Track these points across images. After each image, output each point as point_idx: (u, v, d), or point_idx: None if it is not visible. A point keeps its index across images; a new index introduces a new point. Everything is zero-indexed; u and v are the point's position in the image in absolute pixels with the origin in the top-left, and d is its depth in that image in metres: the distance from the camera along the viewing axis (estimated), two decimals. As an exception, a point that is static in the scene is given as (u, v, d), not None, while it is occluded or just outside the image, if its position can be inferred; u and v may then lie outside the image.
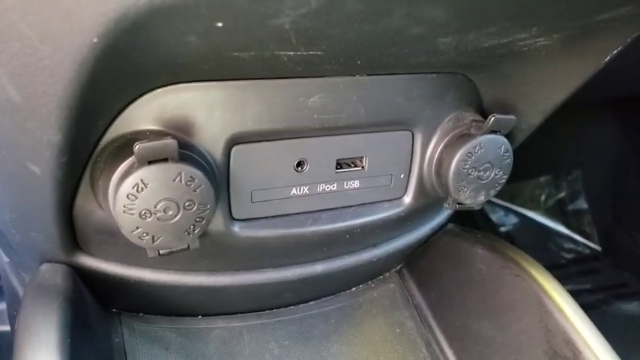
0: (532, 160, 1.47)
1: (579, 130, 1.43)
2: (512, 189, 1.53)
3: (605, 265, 1.42)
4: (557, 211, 1.54)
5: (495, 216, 1.53)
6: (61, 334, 0.35)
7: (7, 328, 1.07)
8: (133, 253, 0.41)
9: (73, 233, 0.41)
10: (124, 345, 0.46)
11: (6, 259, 0.55)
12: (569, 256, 1.47)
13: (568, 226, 1.53)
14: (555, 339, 0.40)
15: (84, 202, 0.38)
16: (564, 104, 0.43)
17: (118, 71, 0.28)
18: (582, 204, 1.54)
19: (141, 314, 0.49)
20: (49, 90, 0.27)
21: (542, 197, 1.56)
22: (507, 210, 1.54)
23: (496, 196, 1.71)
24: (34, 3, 0.23)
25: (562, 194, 1.56)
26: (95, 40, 0.24)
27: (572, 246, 1.51)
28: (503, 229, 1.44)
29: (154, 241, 0.34)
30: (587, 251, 1.48)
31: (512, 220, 1.52)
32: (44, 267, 0.42)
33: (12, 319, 0.65)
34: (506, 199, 1.52)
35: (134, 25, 0.23)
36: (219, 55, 0.30)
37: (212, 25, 0.25)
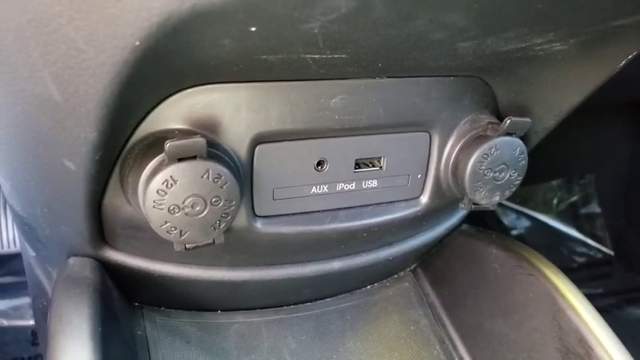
0: (544, 163, 1.47)
1: (592, 134, 1.43)
2: (525, 192, 1.53)
3: (618, 270, 1.41)
4: (570, 215, 1.53)
5: (507, 219, 1.53)
6: (93, 323, 0.36)
7: (5, 323, 1.10)
8: (159, 248, 0.43)
9: (101, 228, 0.42)
10: (146, 337, 0.48)
11: (32, 254, 0.56)
12: (582, 259, 1.47)
13: (580, 230, 1.52)
14: (568, 337, 0.41)
15: (113, 197, 0.39)
16: (577, 107, 0.44)
17: (153, 72, 0.29)
18: (595, 208, 1.53)
19: (162, 308, 0.51)
20: (90, 90, 0.28)
21: (555, 201, 1.56)
22: (519, 213, 1.54)
23: (508, 199, 1.72)
24: (81, 9, 0.24)
25: (574, 198, 1.56)
26: (137, 43, 0.25)
27: (584, 250, 1.51)
28: (515, 232, 1.45)
29: (181, 235, 0.35)
30: (600, 255, 1.47)
31: (524, 223, 1.52)
32: (72, 260, 0.44)
33: (37, 311, 0.67)
34: (518, 203, 1.52)
35: (174, 30, 0.25)
36: (249, 58, 0.31)
37: (246, 30, 0.26)
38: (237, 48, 0.29)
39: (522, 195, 1.53)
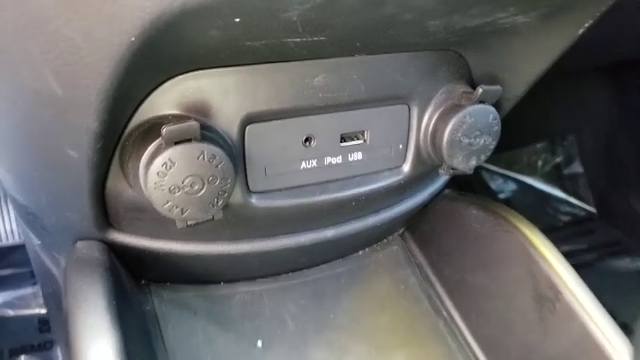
0: (528, 127, 1.50)
1: (574, 97, 1.47)
2: (510, 156, 1.56)
3: (600, 226, 1.47)
4: (554, 176, 1.58)
5: (495, 184, 1.57)
6: (108, 299, 0.39)
7: (12, 313, 1.13)
8: (161, 227, 0.46)
9: (105, 212, 0.45)
10: (155, 312, 0.51)
11: (37, 242, 0.59)
12: (566, 218, 1.52)
13: (564, 190, 1.57)
14: (540, 284, 0.45)
15: (114, 182, 0.42)
16: (556, 73, 0.47)
17: (146, 63, 0.32)
18: (578, 168, 1.58)
19: (168, 284, 0.54)
20: (90, 84, 0.31)
21: (539, 163, 1.60)
22: (506, 177, 1.58)
23: (494, 163, 1.76)
24: (79, 10, 0.27)
25: (558, 159, 1.60)
26: (133, 39, 0.27)
27: (568, 209, 1.55)
28: (502, 195, 1.49)
29: (182, 213, 0.38)
30: (583, 213, 1.52)
31: (511, 186, 1.56)
32: (79, 244, 0.47)
33: (47, 297, 0.70)
34: (504, 167, 1.56)
35: (166, 25, 0.27)
36: (234, 45, 0.34)
37: (231, 21, 0.29)
38: (223, 37, 0.31)
39: (508, 159, 1.57)
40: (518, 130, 1.56)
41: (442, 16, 0.34)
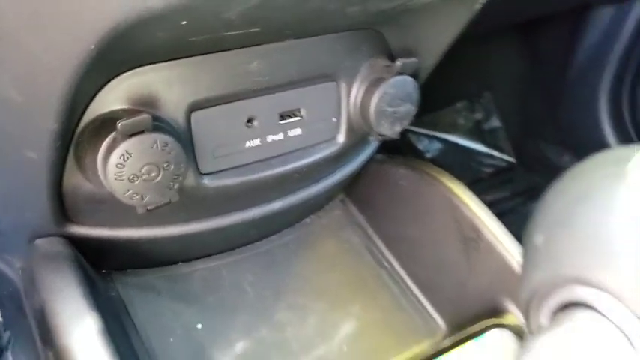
0: (447, 89, 1.60)
1: (486, 57, 1.57)
2: (433, 117, 1.66)
3: (519, 174, 1.60)
4: (475, 132, 1.69)
5: (422, 145, 1.66)
6: (82, 287, 0.42)
7: None
8: (120, 216, 0.48)
9: (62, 207, 0.47)
10: (121, 297, 0.54)
11: None
12: (489, 170, 1.64)
13: (485, 144, 1.69)
14: (464, 228, 0.53)
15: (71, 178, 0.44)
16: (468, 37, 0.53)
17: (99, 66, 0.34)
18: (496, 123, 1.70)
19: (129, 270, 0.57)
20: (50, 89, 0.33)
21: (460, 121, 1.71)
22: (431, 137, 1.67)
23: (419, 126, 1.85)
24: (40, 24, 0.29)
25: (477, 116, 1.71)
26: (92, 47, 0.30)
27: (490, 161, 1.68)
28: (429, 154, 1.58)
29: (142, 199, 0.42)
30: (504, 164, 1.65)
31: (436, 145, 1.66)
32: (39, 241, 0.49)
33: (4, 299, 0.70)
34: (429, 128, 1.65)
35: (122, 33, 0.30)
36: (178, 42, 0.37)
37: (178, 24, 0.32)
38: (168, 36, 0.35)
39: (432, 121, 1.66)
40: (438, 93, 1.65)
41: (358, 3, 0.39)
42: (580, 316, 0.20)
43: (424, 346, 0.56)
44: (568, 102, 1.53)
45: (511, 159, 1.66)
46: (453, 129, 1.66)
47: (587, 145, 1.51)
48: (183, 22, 0.32)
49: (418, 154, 1.62)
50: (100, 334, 0.40)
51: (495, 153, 1.67)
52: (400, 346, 0.55)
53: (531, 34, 1.50)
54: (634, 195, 0.19)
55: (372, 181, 0.67)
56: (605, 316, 0.19)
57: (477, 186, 0.57)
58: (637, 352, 0.18)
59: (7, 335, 1.15)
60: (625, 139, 1.42)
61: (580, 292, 0.20)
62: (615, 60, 1.35)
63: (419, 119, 1.65)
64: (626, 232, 0.19)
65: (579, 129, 1.52)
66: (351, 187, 0.69)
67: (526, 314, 0.24)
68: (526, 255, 0.26)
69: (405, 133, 1.84)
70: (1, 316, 0.90)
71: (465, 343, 0.53)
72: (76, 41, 0.30)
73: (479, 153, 1.66)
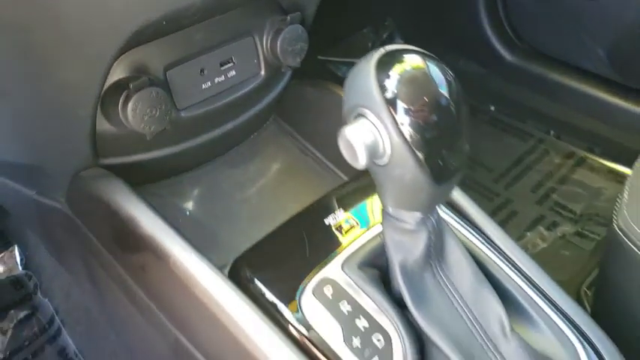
0: (354, 17, 1.87)
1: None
2: (347, 45, 1.93)
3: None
4: (382, 52, 1.97)
5: (340, 71, 1.92)
6: (132, 191, 0.70)
7: None
8: (133, 147, 0.76)
9: (95, 147, 0.74)
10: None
11: (32, 192, 0.84)
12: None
13: (392, 62, 1.97)
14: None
15: (100, 125, 0.71)
16: None
17: (117, 53, 0.62)
18: (399, 41, 2.00)
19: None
20: (97, 70, 0.60)
21: (369, 44, 1.99)
22: (347, 63, 1.94)
23: (336, 55, 2.13)
24: (90, 29, 0.57)
25: (383, 38, 2.00)
26: (122, 43, 0.58)
27: (398, 76, 1.97)
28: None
29: (150, 128, 0.69)
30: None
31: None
32: (83, 173, 0.76)
33: (49, 230, 0.94)
34: (344, 55, 1.93)
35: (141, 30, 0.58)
36: (156, 30, 0.64)
37: (161, 21, 0.60)
38: (153, 30, 0.62)
39: (345, 48, 1.93)
40: (346, 22, 1.95)
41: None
42: (361, 119, 0.51)
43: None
44: (455, 13, 1.83)
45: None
46: (363, 52, 1.92)
47: (474, 46, 1.83)
48: (164, 23, 0.60)
49: (339, 80, 1.89)
50: (159, 217, 0.68)
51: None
52: (315, 190, 0.79)
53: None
54: (372, 71, 0.49)
55: (294, 102, 0.96)
56: (368, 119, 0.50)
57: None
58: (374, 129, 0.48)
59: (32, 282, 1.41)
60: (503, 34, 1.74)
61: (360, 110, 0.50)
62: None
63: (334, 49, 1.93)
64: (373, 87, 0.49)
65: (466, 34, 1.83)
66: (279, 108, 0.95)
67: (347, 121, 0.49)
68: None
69: (323, 63, 2.17)
70: (47, 244, 1.14)
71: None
72: (111, 40, 0.58)
73: (387, 70, 1.95)
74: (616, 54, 1.49)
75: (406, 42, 1.97)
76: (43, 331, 1.17)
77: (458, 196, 0.72)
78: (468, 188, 1.64)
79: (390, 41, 2.05)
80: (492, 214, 1.52)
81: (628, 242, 0.71)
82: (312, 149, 0.92)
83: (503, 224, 1.52)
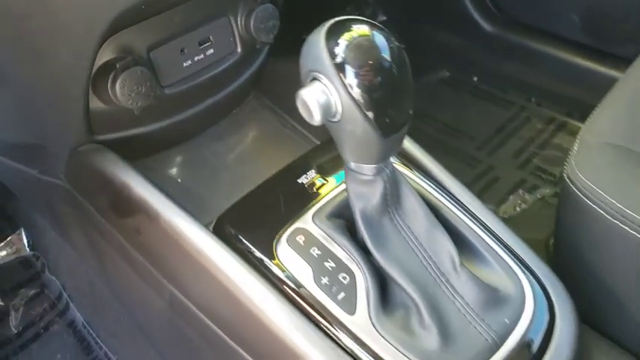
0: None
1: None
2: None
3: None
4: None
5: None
6: (125, 161, 0.77)
7: None
8: (123, 123, 0.83)
9: (90, 124, 0.81)
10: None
11: (34, 172, 0.92)
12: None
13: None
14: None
15: (93, 103, 0.78)
16: None
17: (105, 35, 0.69)
18: (383, 17, 2.06)
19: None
20: (88, 51, 0.67)
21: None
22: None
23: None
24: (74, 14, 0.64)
25: (367, 13, 2.05)
26: (107, 26, 0.65)
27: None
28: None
29: (137, 104, 0.76)
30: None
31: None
32: (81, 148, 0.83)
33: (51, 205, 1.02)
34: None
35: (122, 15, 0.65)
36: (138, 13, 0.71)
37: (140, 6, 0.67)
38: (135, 14, 0.69)
39: (330, 26, 1.98)
40: (330, 1, 2.00)
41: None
42: (315, 82, 0.58)
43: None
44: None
45: (401, 45, 2.02)
46: (347, 30, 2.00)
47: (455, 19, 1.89)
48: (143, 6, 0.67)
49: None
50: (150, 182, 0.75)
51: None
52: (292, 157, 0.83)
53: None
54: (322, 40, 0.56)
55: (273, 78, 1.02)
56: (321, 82, 0.57)
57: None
58: (327, 89, 0.56)
59: (40, 262, 1.49)
60: (482, 6, 1.79)
61: (314, 74, 0.57)
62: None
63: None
64: (324, 53, 0.56)
65: (447, 7, 1.89)
66: (260, 84, 0.98)
67: (303, 84, 0.53)
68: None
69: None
70: (51, 219, 1.21)
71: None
72: (95, 26, 0.65)
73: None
74: (589, 19, 1.55)
75: (389, 18, 2.03)
76: (53, 307, 1.24)
77: (414, 149, 0.80)
78: (450, 156, 1.71)
79: (373, 18, 2.11)
80: (475, 180, 1.59)
81: (575, 190, 0.78)
82: (290, 121, 0.99)
83: (485, 190, 1.60)
